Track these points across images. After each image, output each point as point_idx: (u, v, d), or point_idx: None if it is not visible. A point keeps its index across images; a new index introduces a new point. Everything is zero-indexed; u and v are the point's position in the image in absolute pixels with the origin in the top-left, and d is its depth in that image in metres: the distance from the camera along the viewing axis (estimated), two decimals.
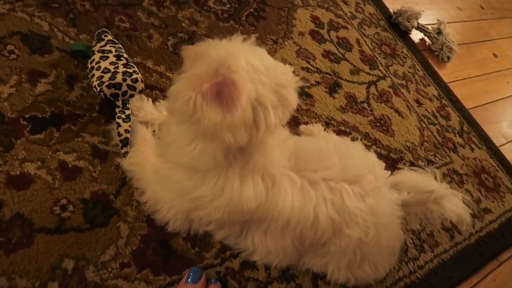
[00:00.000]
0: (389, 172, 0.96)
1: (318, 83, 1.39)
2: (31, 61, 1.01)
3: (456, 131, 1.57)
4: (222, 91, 0.62)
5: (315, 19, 1.61)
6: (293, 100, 0.70)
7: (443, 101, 1.66)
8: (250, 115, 0.63)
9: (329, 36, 1.59)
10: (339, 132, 1.29)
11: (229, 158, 0.71)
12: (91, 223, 0.85)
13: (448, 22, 1.94)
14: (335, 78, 1.45)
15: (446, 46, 1.84)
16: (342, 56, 1.54)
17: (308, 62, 1.44)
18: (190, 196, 0.78)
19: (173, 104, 0.69)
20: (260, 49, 0.71)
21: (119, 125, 0.93)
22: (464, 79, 1.88)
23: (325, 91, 1.38)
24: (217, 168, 0.74)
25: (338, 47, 1.57)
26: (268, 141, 0.73)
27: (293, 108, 0.71)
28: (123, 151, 0.93)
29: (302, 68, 1.41)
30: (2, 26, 1.03)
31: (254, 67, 0.64)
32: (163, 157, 0.83)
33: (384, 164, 0.96)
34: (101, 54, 0.99)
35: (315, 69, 1.43)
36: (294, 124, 1.23)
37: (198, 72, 0.66)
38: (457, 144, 1.52)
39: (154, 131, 0.98)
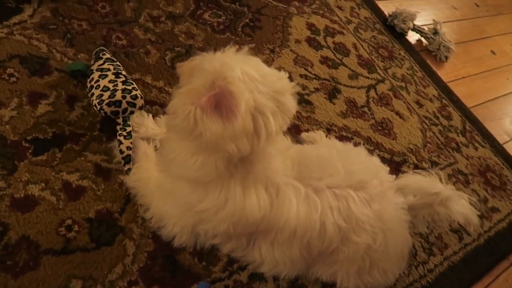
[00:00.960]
0: (394, 176, 0.95)
1: (317, 89, 1.40)
2: (31, 83, 1.01)
3: (458, 131, 1.57)
4: (220, 103, 0.62)
5: (310, 26, 1.62)
6: (292, 105, 0.70)
7: (444, 101, 1.66)
8: (251, 124, 0.63)
9: (326, 42, 1.59)
10: (341, 138, 1.29)
11: (231, 168, 0.71)
12: (97, 242, 0.85)
13: (443, 22, 1.95)
14: (334, 84, 1.45)
15: (443, 46, 1.84)
16: (339, 62, 1.55)
17: (306, 69, 1.44)
18: (195, 210, 0.78)
19: (173, 121, 0.69)
20: (254, 58, 0.71)
21: (120, 143, 0.94)
22: (463, 77, 1.87)
23: (325, 97, 1.38)
24: (219, 179, 0.74)
25: (335, 52, 1.57)
26: (269, 149, 0.73)
27: (292, 113, 0.71)
28: (125, 168, 0.93)
29: (301, 76, 1.41)
30: (1, 50, 1.04)
31: (250, 76, 0.65)
32: (165, 172, 0.83)
33: (388, 168, 0.96)
34: (99, 73, 1.00)
35: (314, 76, 1.44)
36: (295, 131, 1.23)
37: (195, 86, 0.66)
38: (460, 144, 1.52)
39: (155, 146, 0.98)
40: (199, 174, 0.72)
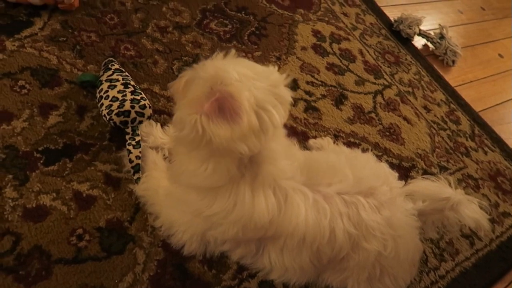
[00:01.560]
0: (403, 182, 0.95)
1: (324, 96, 1.40)
2: (41, 94, 1.03)
3: (467, 135, 1.55)
4: (223, 106, 0.63)
5: (316, 33, 1.62)
6: (287, 95, 0.71)
7: (452, 105, 1.65)
8: (256, 121, 0.64)
9: (332, 48, 1.60)
10: (348, 144, 1.28)
11: (242, 168, 0.72)
12: (108, 251, 0.86)
13: (450, 26, 1.94)
14: (341, 90, 1.45)
15: (450, 50, 1.83)
16: (346, 68, 1.55)
17: (312, 76, 1.45)
18: (204, 215, 0.78)
19: (180, 133, 0.69)
20: (243, 59, 0.72)
21: (130, 152, 0.95)
22: (471, 81, 1.87)
23: (332, 104, 1.39)
24: (229, 183, 0.74)
25: (341, 59, 1.57)
26: (274, 146, 0.73)
27: (289, 102, 0.71)
28: (135, 177, 0.93)
29: (307, 83, 1.42)
30: (13, 62, 1.06)
31: (245, 75, 0.66)
32: (176, 183, 0.84)
33: (397, 174, 0.96)
34: (109, 83, 1.01)
35: (320, 83, 1.44)
36: (303, 138, 1.24)
37: (194, 95, 0.67)
38: (469, 148, 1.50)
39: (164, 155, 0.99)
40: (211, 181, 0.73)
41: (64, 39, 1.17)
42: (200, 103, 0.64)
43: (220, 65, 0.68)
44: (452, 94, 1.70)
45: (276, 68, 0.73)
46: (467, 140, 1.53)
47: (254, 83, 0.66)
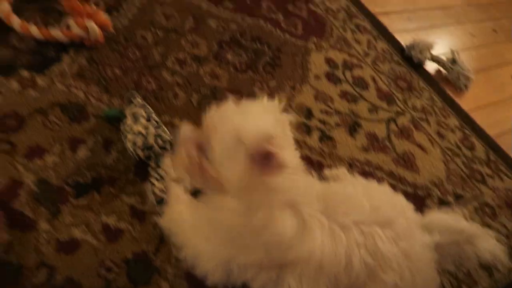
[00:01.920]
0: (420, 214, 0.97)
1: (338, 125, 1.43)
2: (71, 129, 1.09)
3: (482, 161, 1.56)
4: (263, 157, 0.68)
5: (329, 61, 1.67)
6: (285, 118, 0.78)
7: (466, 131, 1.66)
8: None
9: (345, 76, 1.63)
10: (363, 173, 1.31)
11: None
12: (135, 283, 0.90)
13: (462, 50, 1.96)
14: (354, 118, 1.48)
15: (462, 75, 1.85)
16: (359, 95, 1.58)
17: (326, 105, 1.48)
18: (234, 231, 0.82)
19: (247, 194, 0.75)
20: (251, 103, 0.78)
21: (153, 185, 0.99)
22: (484, 106, 1.87)
23: (346, 132, 1.42)
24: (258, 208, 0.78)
25: (354, 86, 1.61)
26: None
27: (290, 122, 0.78)
28: (159, 209, 0.98)
29: (321, 111, 1.45)
30: (44, 99, 1.13)
31: (258, 122, 0.72)
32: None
33: (413, 206, 0.97)
34: (132, 117, 1.06)
35: (334, 111, 1.48)
36: (318, 168, 1.26)
37: (236, 171, 0.72)
38: (485, 175, 1.51)
39: (186, 188, 1.03)
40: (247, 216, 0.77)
41: (90, 74, 1.24)
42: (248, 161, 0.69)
43: (238, 120, 0.72)
44: (466, 119, 1.71)
45: (265, 97, 0.78)
46: (482, 166, 1.54)
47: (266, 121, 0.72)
